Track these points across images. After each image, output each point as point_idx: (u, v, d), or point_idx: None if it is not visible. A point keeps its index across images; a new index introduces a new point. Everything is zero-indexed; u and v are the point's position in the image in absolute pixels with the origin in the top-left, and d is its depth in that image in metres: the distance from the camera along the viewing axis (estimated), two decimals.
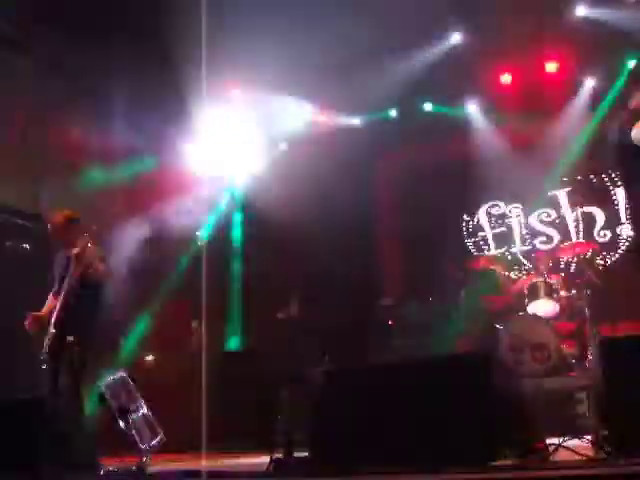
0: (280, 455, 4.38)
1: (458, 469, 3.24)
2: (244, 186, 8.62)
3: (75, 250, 4.75)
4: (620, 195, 8.28)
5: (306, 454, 4.13)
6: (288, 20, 6.43)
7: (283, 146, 8.97)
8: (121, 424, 5.35)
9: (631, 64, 8.25)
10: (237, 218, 8.80)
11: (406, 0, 6.84)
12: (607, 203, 8.47)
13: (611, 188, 8.43)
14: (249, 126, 8.22)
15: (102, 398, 5.37)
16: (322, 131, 8.67)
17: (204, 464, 5.01)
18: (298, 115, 8.28)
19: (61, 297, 4.77)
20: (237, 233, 8.65)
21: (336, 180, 7.94)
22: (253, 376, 6.42)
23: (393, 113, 9.10)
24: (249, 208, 8.56)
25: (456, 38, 8.35)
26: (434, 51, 8.36)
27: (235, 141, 8.26)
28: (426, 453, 3.52)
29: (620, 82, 8.28)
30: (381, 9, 6.91)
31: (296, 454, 4.37)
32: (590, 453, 3.52)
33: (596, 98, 8.50)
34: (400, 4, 6.83)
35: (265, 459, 4.35)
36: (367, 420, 3.83)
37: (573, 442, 3.96)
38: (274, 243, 8.15)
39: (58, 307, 4.76)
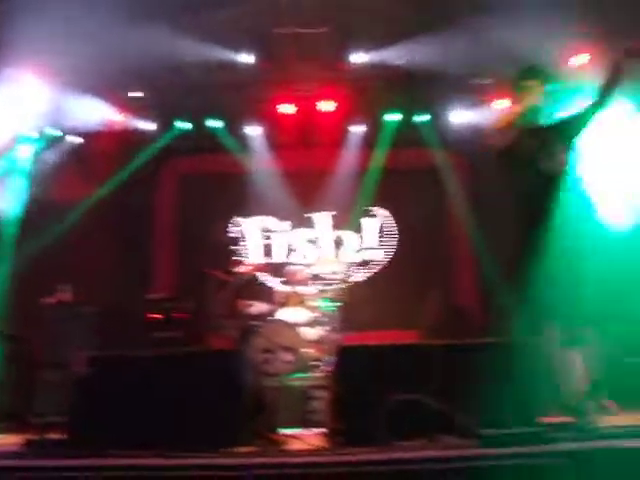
0: (35, 436, 4.25)
1: (203, 451, 3.41)
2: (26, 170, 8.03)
3: None
4: (371, 224, 9.28)
5: (62, 436, 4.06)
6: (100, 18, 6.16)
7: (73, 139, 8.47)
8: None
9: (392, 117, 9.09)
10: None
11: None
12: (360, 230, 9.36)
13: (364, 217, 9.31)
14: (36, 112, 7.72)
15: None
16: (116, 131, 8.46)
17: None
18: (93, 111, 7.95)
19: None
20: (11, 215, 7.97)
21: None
22: (14, 358, 6.07)
23: (186, 125, 9.08)
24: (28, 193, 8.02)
25: (247, 59, 8.15)
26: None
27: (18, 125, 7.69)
28: (177, 437, 3.64)
29: (387, 134, 9.06)
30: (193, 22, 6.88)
31: (52, 436, 4.26)
32: (321, 443, 3.79)
33: (366, 141, 9.24)
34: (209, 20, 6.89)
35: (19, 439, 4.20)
36: (124, 406, 3.89)
37: (308, 433, 4.33)
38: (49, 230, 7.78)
39: None
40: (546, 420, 3.53)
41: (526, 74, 4.08)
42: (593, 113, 3.96)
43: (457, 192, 9.20)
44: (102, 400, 3.98)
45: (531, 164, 3.95)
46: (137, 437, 3.69)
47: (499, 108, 8.56)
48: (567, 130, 4.01)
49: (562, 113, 4.26)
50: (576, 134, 3.99)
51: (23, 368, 5.75)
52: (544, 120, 4.07)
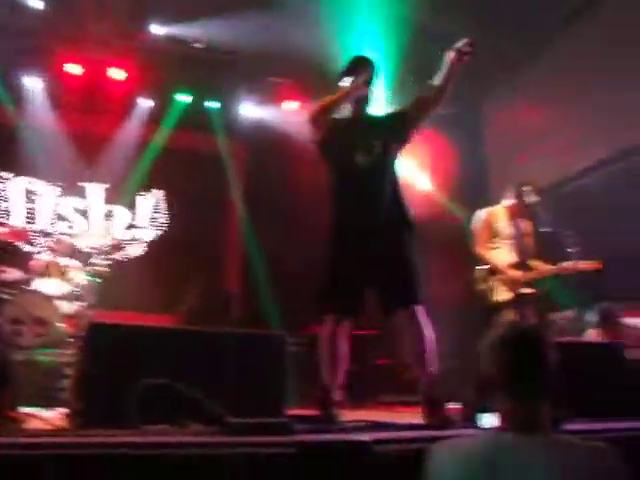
0: None
1: None
2: None
3: None
4: (145, 202, 9.04)
5: None
6: None
7: None
8: None
9: (183, 98, 8.96)
10: None
11: None
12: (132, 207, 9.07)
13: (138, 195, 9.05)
14: None
15: None
16: None
17: None
18: None
19: None
20: None
21: None
22: None
23: None
24: None
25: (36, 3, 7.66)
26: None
27: None
28: None
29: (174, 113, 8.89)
30: None
31: None
32: (63, 424, 3.62)
33: (153, 117, 8.99)
34: None
35: None
36: None
37: (52, 413, 4.12)
38: None
39: None
40: (291, 412, 3.74)
41: (350, 66, 4.05)
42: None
43: (234, 182, 9.35)
44: None
45: (347, 158, 3.91)
46: None
47: (291, 108, 8.90)
48: (385, 125, 4.05)
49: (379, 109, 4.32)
50: (396, 130, 4.02)
51: None
52: (364, 114, 4.09)
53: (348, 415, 3.93)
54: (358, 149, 3.91)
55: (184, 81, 8.74)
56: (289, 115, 9.07)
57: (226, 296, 8.81)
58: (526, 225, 5.49)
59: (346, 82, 4.00)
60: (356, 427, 3.43)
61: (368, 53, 4.32)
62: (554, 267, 5.30)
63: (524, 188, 5.43)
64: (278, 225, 8.75)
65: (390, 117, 4.19)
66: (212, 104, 9.22)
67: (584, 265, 5.14)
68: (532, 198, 5.41)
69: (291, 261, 8.47)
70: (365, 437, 2.78)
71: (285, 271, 8.53)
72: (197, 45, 8.33)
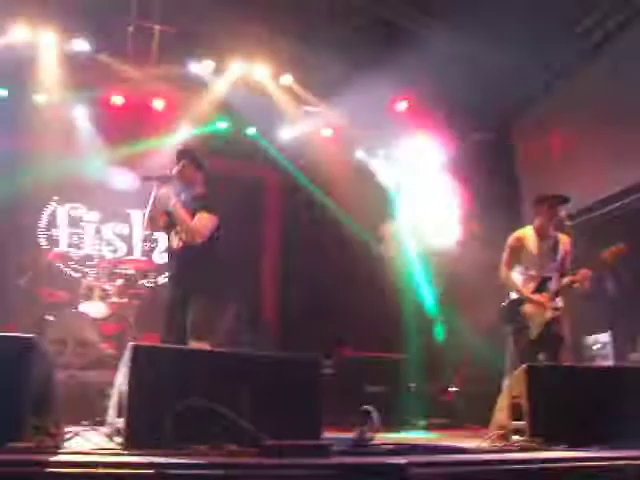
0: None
1: None
2: None
3: None
4: None
5: None
6: None
7: None
8: None
9: (222, 125, 9.04)
10: None
11: None
12: None
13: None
14: None
15: None
16: None
17: None
18: None
19: None
20: None
21: None
22: None
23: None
24: None
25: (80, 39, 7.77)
26: None
27: None
28: None
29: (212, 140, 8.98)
30: None
31: None
32: (102, 443, 3.54)
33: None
34: None
35: None
36: None
37: (92, 432, 4.08)
38: None
39: None
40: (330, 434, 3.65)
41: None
42: None
43: (272, 207, 9.43)
44: None
45: None
46: None
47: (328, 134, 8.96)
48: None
49: None
50: None
51: None
52: None
53: (384, 437, 3.84)
54: None
55: (223, 108, 8.80)
56: (326, 140, 9.14)
57: (262, 320, 8.77)
58: (562, 239, 5.31)
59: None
60: (393, 450, 3.34)
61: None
62: (570, 277, 5.01)
63: (556, 201, 5.21)
64: (314, 250, 8.79)
65: None
66: (250, 130, 9.27)
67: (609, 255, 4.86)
68: (564, 212, 5.21)
69: (325, 285, 8.44)
70: (402, 460, 2.69)
71: (320, 295, 8.50)
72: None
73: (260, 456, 2.88)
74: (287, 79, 8.41)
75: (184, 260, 4.54)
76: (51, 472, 2.63)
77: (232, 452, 2.99)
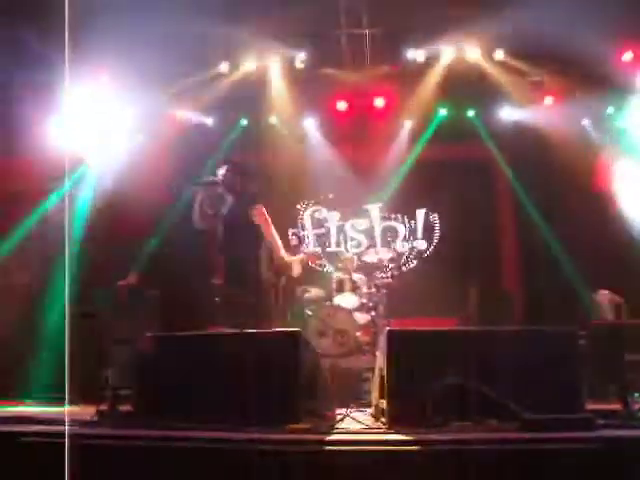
0: (106, 407, 4.43)
1: (261, 427, 3.44)
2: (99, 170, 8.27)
3: None
4: (420, 215, 9.26)
5: (130, 408, 4.22)
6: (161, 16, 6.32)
7: (140, 137, 8.60)
8: None
9: (442, 112, 9.02)
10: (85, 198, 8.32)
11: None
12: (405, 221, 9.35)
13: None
14: (111, 113, 7.99)
15: None
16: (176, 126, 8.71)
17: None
18: (155, 108, 8.20)
19: None
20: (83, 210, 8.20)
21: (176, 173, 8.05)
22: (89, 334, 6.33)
23: (244, 121, 9.23)
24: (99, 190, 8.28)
25: (300, 57, 8.39)
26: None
27: (96, 126, 7.96)
28: (236, 413, 3.64)
29: (432, 127, 9.05)
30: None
31: (121, 408, 4.43)
32: (369, 423, 3.85)
33: (413, 136, 9.22)
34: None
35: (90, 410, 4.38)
36: (187, 381, 3.95)
37: (358, 413, 4.38)
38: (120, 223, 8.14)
39: None
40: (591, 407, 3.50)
41: None
42: None
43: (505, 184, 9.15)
44: (165, 376, 4.06)
45: None
46: (199, 411, 3.76)
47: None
48: None
49: None
50: None
51: (96, 344, 5.98)
52: None
53: None
54: None
55: (442, 95, 8.77)
56: (550, 112, 8.63)
57: (507, 295, 8.57)
58: None
59: None
60: None
61: None
62: None
63: None
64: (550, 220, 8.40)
65: None
66: (471, 112, 9.10)
67: None
68: None
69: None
70: None
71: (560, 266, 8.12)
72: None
73: (521, 431, 2.87)
74: (499, 54, 8.17)
75: None
76: (329, 450, 2.91)
77: (494, 427, 3.02)
